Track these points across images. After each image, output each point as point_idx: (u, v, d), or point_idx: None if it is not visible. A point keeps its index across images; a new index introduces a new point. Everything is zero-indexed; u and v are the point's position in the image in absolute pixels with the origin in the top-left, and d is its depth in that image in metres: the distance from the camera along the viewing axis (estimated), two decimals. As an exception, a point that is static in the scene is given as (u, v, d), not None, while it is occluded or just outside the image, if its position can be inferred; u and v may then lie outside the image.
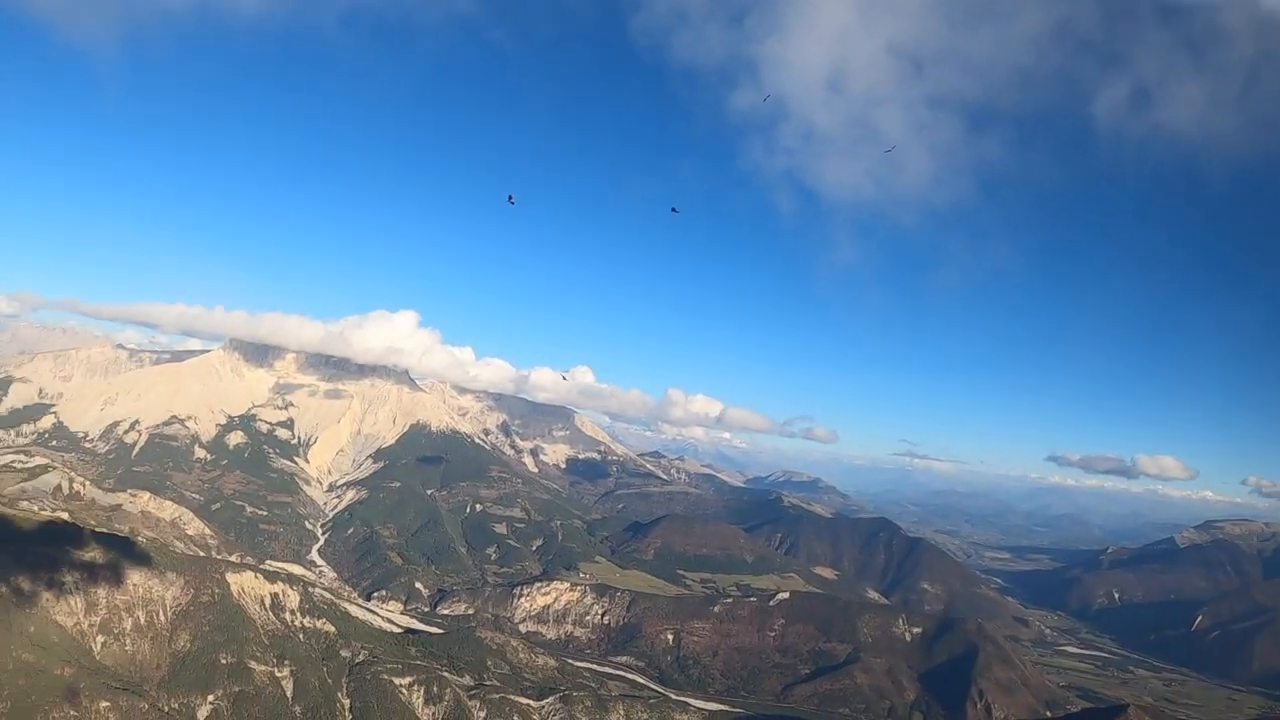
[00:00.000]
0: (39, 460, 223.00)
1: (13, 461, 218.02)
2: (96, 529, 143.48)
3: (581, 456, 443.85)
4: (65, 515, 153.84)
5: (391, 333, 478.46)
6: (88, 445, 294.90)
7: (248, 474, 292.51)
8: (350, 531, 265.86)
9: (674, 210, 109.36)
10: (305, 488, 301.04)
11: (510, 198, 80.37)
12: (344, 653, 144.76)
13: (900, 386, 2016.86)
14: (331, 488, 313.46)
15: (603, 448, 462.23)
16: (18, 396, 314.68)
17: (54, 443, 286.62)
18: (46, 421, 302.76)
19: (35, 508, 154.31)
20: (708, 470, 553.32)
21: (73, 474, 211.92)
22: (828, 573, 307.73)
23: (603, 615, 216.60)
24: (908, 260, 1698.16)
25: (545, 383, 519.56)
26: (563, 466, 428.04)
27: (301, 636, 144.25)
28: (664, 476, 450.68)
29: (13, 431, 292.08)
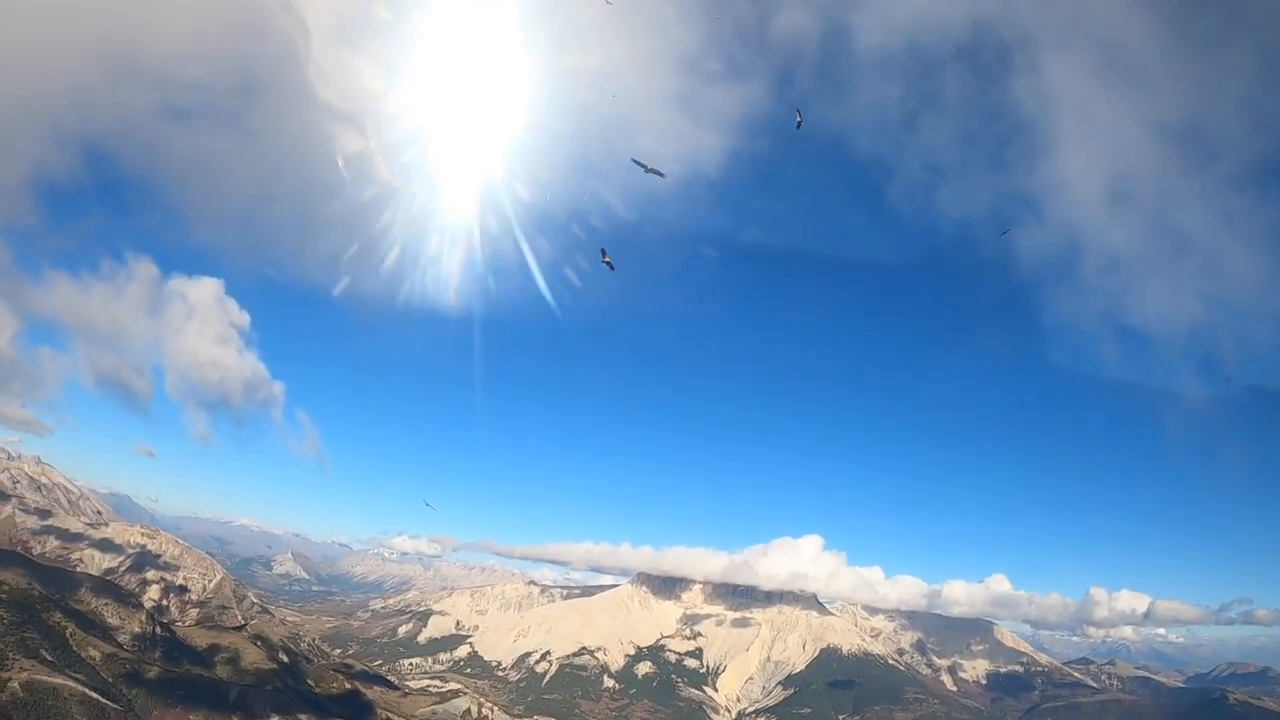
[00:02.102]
0: (452, 686, 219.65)
1: (428, 685, 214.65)
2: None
3: (1003, 670, 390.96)
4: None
5: (796, 558, 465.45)
6: (500, 674, 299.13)
7: (656, 703, 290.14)
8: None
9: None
10: (714, 716, 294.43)
11: (604, 255, 67.90)
12: None
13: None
14: (740, 716, 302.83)
15: (1025, 659, 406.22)
16: (436, 627, 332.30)
17: (468, 670, 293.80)
18: (462, 651, 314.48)
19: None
20: (1142, 673, 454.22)
21: (482, 700, 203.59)
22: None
23: None
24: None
25: (959, 596, 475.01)
26: (983, 682, 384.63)
27: None
28: (1094, 684, 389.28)
29: (430, 659, 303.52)
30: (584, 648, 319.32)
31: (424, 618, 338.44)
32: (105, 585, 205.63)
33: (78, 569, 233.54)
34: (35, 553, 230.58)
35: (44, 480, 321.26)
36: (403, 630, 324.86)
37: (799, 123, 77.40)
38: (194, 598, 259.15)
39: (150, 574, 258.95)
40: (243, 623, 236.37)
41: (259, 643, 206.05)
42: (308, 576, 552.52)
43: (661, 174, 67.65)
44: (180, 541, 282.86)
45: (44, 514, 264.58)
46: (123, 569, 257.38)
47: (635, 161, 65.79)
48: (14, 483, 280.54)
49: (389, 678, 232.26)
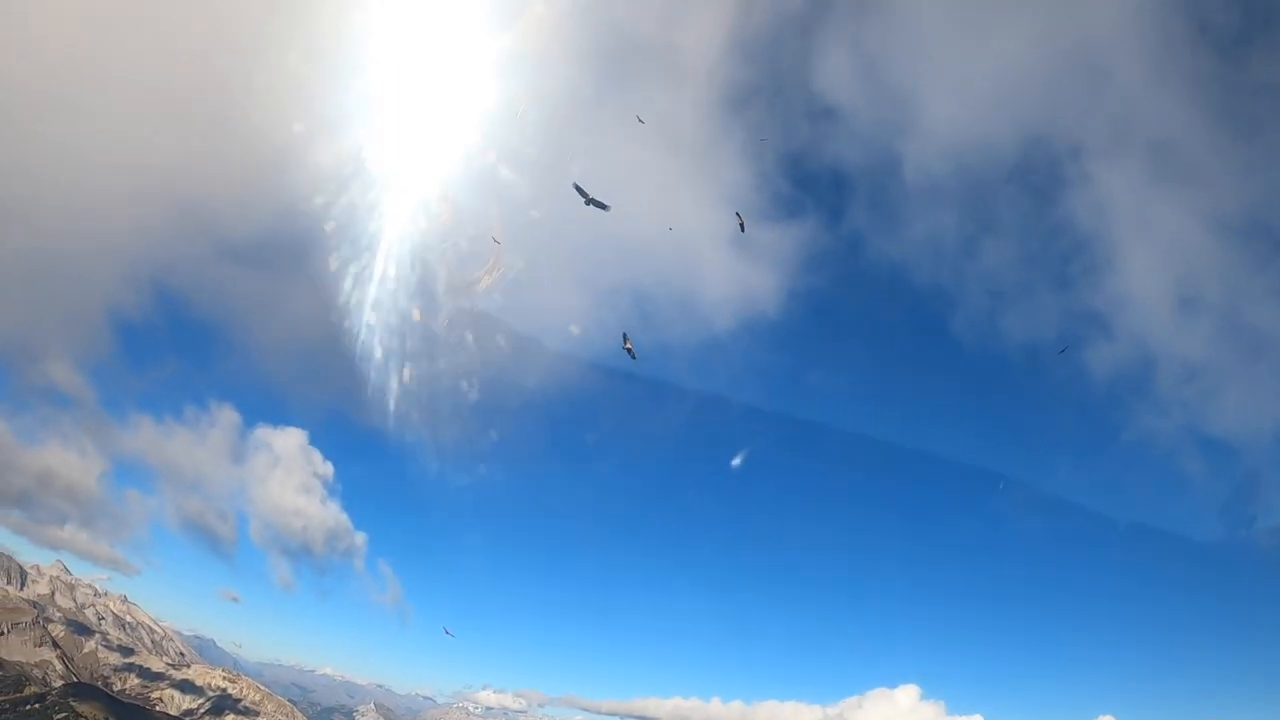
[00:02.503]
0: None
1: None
2: None
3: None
4: None
5: (892, 710, 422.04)
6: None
7: None
8: None
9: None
10: None
11: (626, 341, 63.41)
12: None
13: None
14: None
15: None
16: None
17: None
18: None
19: None
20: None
21: None
22: None
23: None
24: None
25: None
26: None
27: None
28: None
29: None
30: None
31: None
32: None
33: (157, 708, 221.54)
34: (116, 689, 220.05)
35: (129, 619, 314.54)
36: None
37: (740, 225, 71.86)
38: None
39: (230, 718, 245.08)
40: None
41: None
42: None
43: (606, 206, 61.38)
44: (262, 687, 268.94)
45: (127, 651, 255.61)
46: (202, 711, 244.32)
47: (577, 188, 61.02)
48: (99, 619, 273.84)
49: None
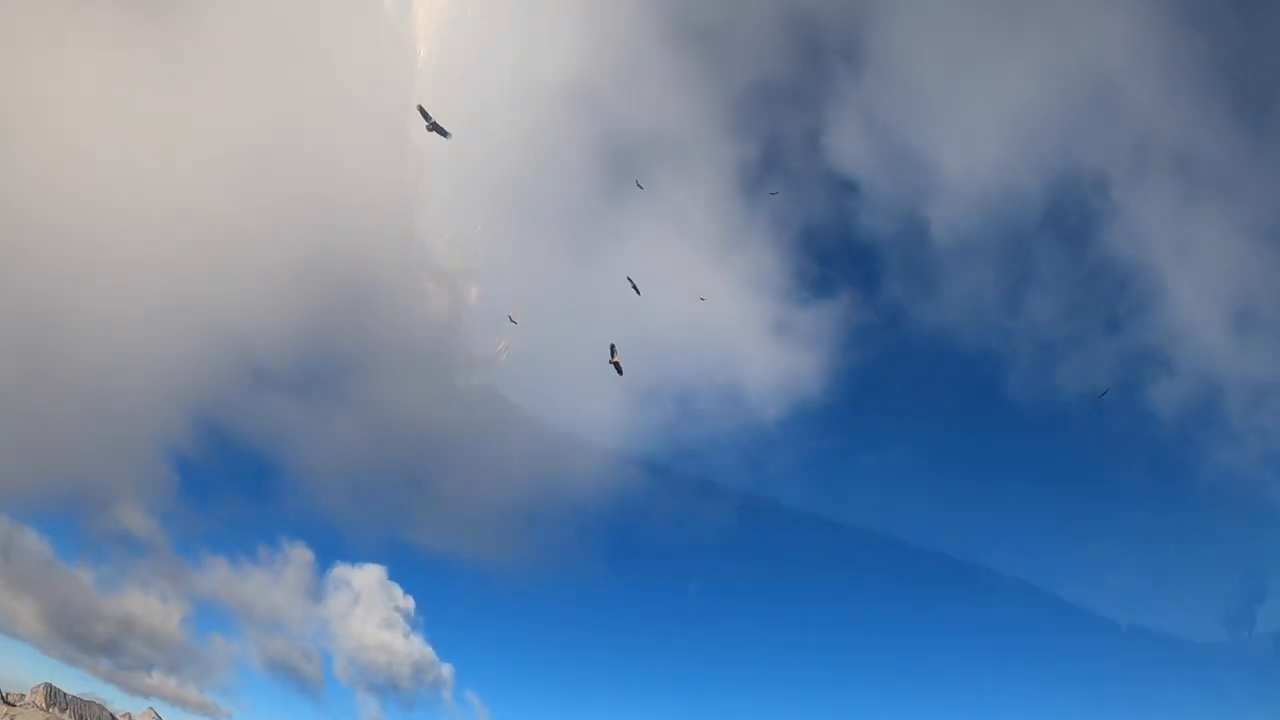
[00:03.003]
0: None
1: None
2: None
3: None
4: None
5: None
6: None
7: None
8: None
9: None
10: None
11: (613, 353, 61.02)
12: None
13: None
14: None
15: None
16: None
17: None
18: None
19: None
20: None
21: None
22: None
23: None
24: None
25: None
26: None
27: None
28: None
29: None
30: None
31: None
32: None
33: None
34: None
35: None
36: None
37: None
38: None
39: None
40: None
41: None
42: None
43: (446, 133, 56.14)
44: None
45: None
46: None
47: (420, 109, 54.92)
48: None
49: None
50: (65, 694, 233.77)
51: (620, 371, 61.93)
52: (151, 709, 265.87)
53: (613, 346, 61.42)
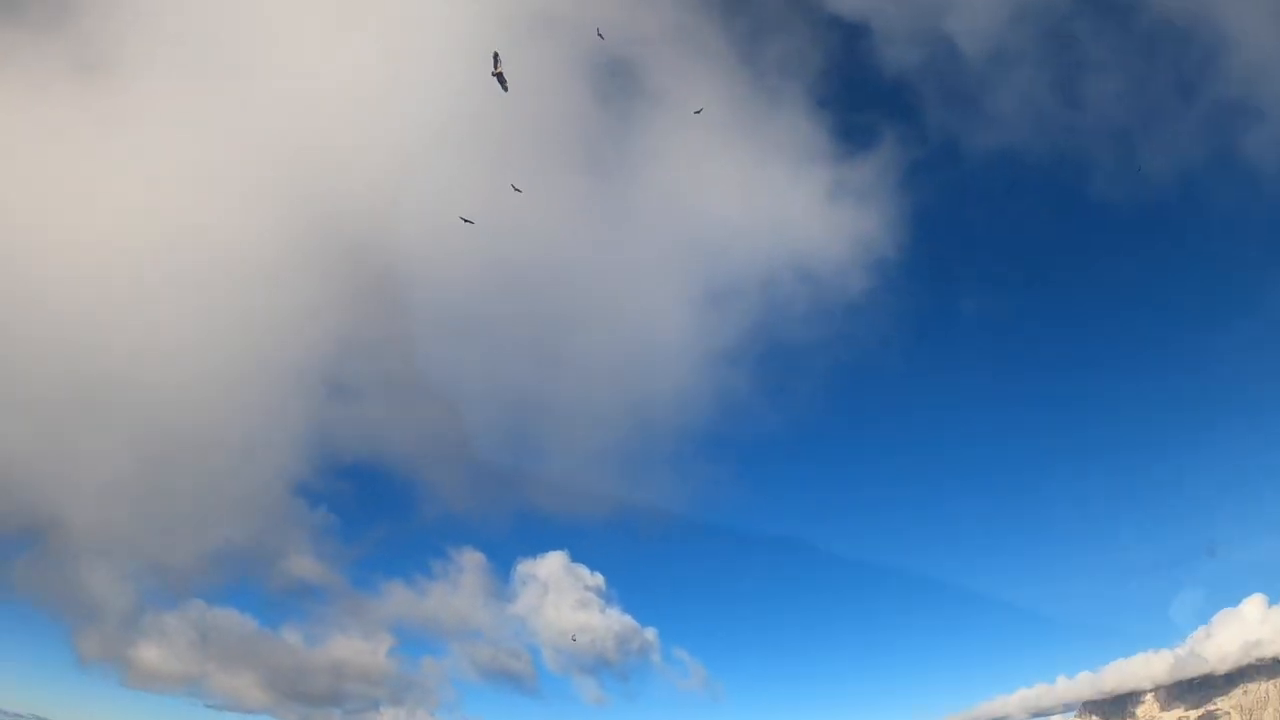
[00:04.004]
0: None
1: None
2: None
3: None
4: None
5: (1243, 628, 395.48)
6: None
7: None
8: None
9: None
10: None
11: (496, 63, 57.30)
12: None
13: None
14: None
15: None
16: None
17: None
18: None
19: None
20: None
21: None
22: None
23: None
24: None
25: None
26: None
27: None
28: None
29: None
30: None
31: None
32: None
33: None
34: None
35: None
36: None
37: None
38: None
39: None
40: None
41: None
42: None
43: (505, 87, 57.14)
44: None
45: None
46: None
47: (495, 56, 56.42)
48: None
49: None
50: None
51: (504, 86, 57.73)
52: None
53: (496, 55, 56.72)
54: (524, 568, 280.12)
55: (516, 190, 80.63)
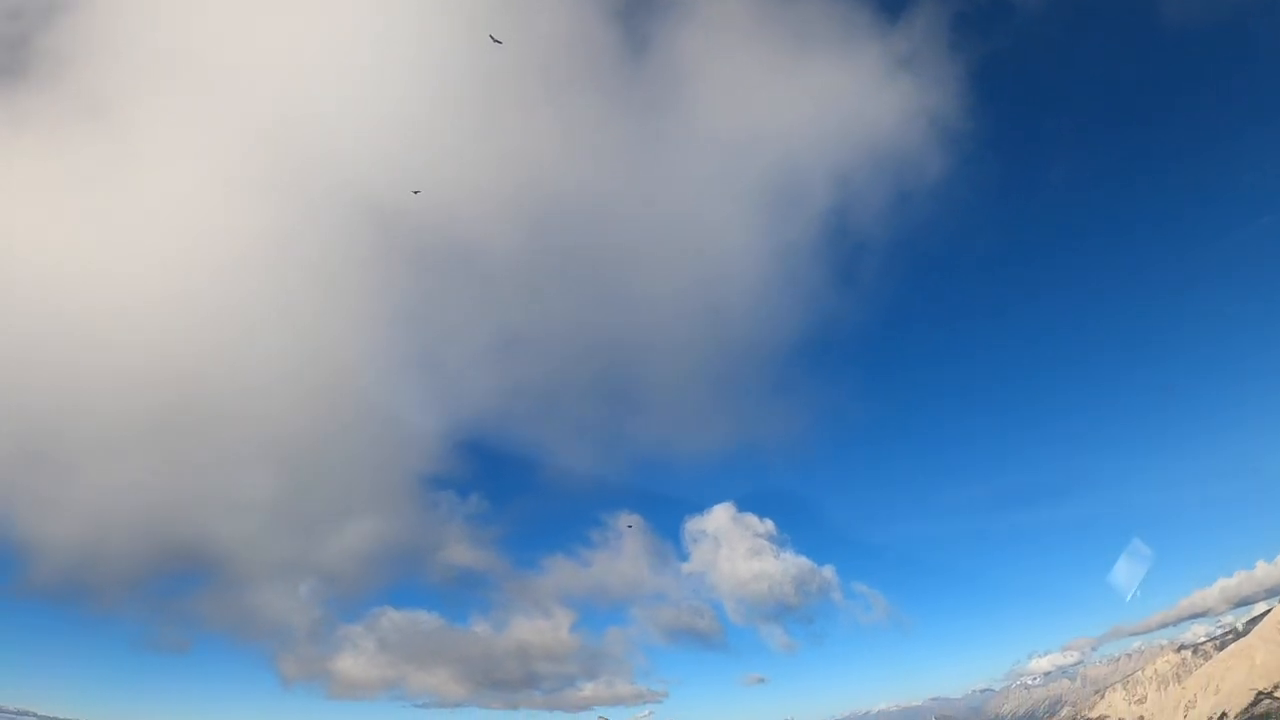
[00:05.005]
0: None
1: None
2: None
3: None
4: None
5: None
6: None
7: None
8: None
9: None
10: None
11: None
12: None
13: None
14: None
15: None
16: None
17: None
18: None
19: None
20: None
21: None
22: None
23: None
24: None
25: None
26: None
27: None
28: None
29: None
30: (1259, 693, 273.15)
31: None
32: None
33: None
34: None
35: None
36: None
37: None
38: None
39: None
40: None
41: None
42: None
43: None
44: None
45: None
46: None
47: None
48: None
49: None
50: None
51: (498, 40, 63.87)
52: (600, 716, 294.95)
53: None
54: (692, 524, 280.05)
55: (496, 41, 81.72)
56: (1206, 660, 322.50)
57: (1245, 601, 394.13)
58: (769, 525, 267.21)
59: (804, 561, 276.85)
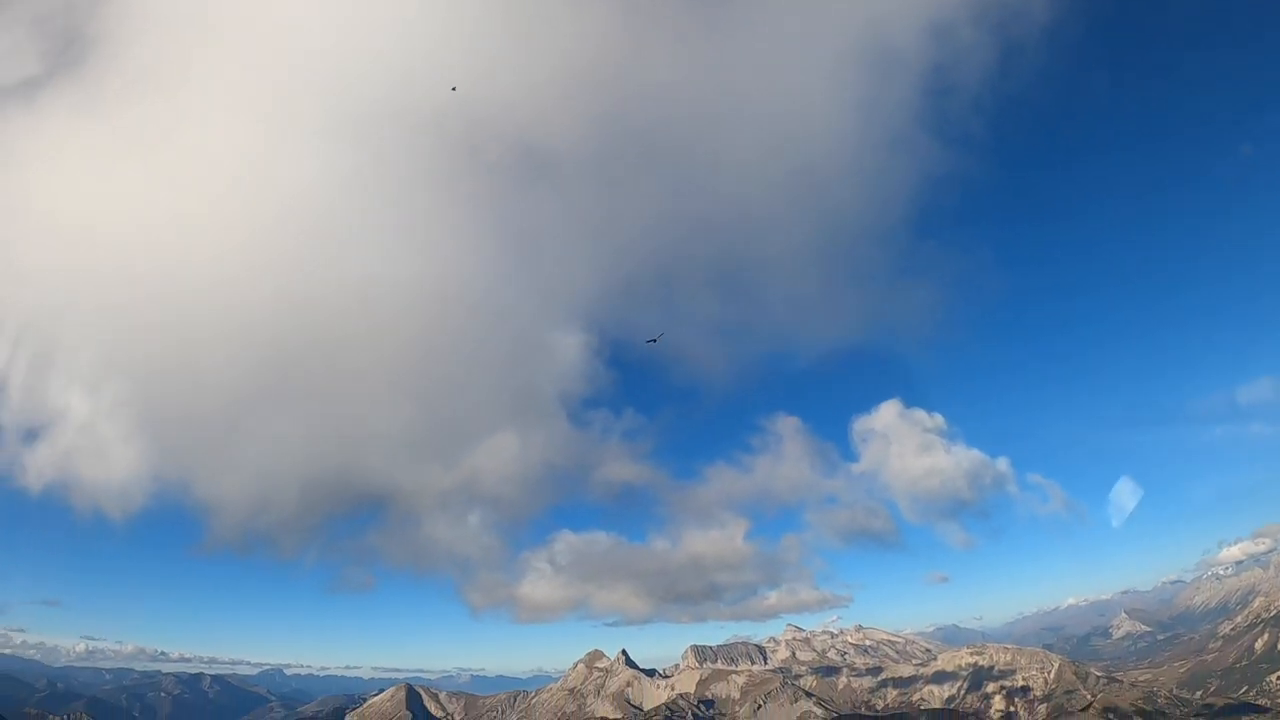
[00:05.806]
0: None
1: None
2: None
3: None
4: None
5: None
6: None
7: None
8: None
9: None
10: None
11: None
12: None
13: None
14: None
15: None
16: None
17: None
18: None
19: None
20: None
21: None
22: None
23: None
24: None
25: None
26: None
27: None
28: None
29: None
30: None
31: (1276, 622, 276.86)
32: (945, 714, 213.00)
33: (921, 708, 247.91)
34: (878, 708, 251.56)
35: (866, 643, 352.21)
36: (1258, 645, 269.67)
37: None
38: (1037, 694, 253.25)
39: (989, 687, 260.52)
40: (1090, 700, 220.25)
41: (1110, 715, 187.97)
42: (1148, 629, 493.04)
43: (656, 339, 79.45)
44: (1009, 647, 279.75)
45: (875, 671, 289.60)
46: (962, 693, 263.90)
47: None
48: (841, 654, 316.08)
49: (1257, 702, 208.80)
50: (710, 648, 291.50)
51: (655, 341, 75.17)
52: (790, 625, 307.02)
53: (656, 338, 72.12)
54: (860, 424, 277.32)
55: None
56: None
57: None
58: (938, 419, 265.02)
59: (976, 454, 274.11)
